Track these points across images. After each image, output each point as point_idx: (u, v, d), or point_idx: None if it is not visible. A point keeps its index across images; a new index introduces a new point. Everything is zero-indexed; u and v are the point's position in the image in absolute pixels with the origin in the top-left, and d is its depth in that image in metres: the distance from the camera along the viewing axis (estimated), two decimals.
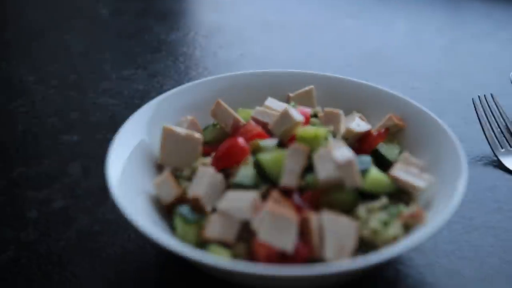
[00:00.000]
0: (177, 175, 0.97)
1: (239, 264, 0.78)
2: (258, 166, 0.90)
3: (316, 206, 0.86)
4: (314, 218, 0.82)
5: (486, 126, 1.17)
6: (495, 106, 1.20)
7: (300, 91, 1.11)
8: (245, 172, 0.91)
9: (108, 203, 1.03)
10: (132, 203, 0.86)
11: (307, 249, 0.81)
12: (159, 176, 0.94)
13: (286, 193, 0.87)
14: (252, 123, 1.00)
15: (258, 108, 1.03)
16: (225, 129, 1.02)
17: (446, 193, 0.87)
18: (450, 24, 1.75)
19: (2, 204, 1.05)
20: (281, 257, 0.80)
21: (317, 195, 0.87)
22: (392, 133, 1.03)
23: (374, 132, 1.01)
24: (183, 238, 0.86)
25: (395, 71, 1.46)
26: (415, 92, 1.34)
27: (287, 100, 1.11)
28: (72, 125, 1.26)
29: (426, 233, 0.79)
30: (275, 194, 0.84)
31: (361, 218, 0.85)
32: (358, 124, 1.01)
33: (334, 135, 1.01)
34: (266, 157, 0.90)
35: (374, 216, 0.85)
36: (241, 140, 0.94)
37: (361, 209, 0.86)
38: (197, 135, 0.98)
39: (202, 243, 0.86)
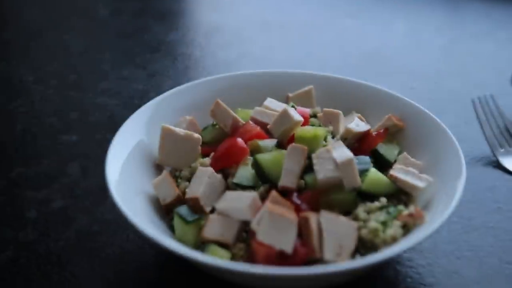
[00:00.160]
0: (176, 175, 0.97)
1: (238, 264, 0.78)
2: (257, 166, 0.90)
3: (315, 206, 0.86)
4: (313, 218, 0.82)
5: (486, 126, 1.17)
6: (494, 107, 1.20)
7: (299, 91, 1.11)
8: (244, 173, 0.91)
9: (107, 203, 1.03)
10: (131, 203, 0.86)
11: (306, 249, 0.81)
12: (158, 177, 0.94)
13: (285, 193, 0.87)
14: (251, 123, 1.00)
15: (257, 108, 1.03)
16: (224, 129, 1.02)
17: (445, 193, 0.87)
18: (449, 24, 1.75)
19: (1, 204, 1.05)
20: (280, 258, 0.80)
21: (316, 195, 0.87)
22: (391, 133, 1.03)
23: (373, 132, 1.01)
24: (182, 239, 0.86)
25: (394, 71, 1.46)
26: (414, 92, 1.34)
27: (286, 100, 1.11)
28: (71, 125, 1.26)
29: (425, 233, 0.79)
30: (274, 194, 0.84)
31: (361, 218, 0.85)
32: (357, 124, 1.01)
33: (333, 135, 1.01)
34: (265, 157, 0.90)
35: (373, 216, 0.85)
36: (240, 140, 0.94)
37: (360, 210, 0.86)
38: (196, 135, 0.98)
39: (201, 244, 0.86)
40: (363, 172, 0.89)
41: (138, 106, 1.06)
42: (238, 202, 0.85)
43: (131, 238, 0.96)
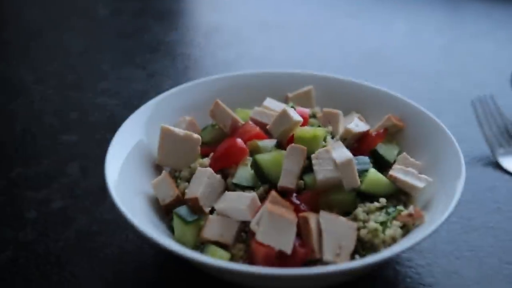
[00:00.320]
0: (176, 175, 0.97)
1: (237, 264, 0.78)
2: (256, 166, 0.90)
3: (315, 207, 0.86)
4: (312, 219, 0.82)
5: (485, 126, 1.17)
6: (494, 107, 1.20)
7: (299, 91, 1.11)
8: (244, 173, 0.91)
9: (106, 203, 1.03)
10: (130, 203, 0.86)
11: (306, 250, 0.81)
12: (158, 177, 0.94)
13: (285, 193, 0.87)
14: (251, 123, 1.00)
15: (256, 108, 1.03)
16: (224, 130, 1.02)
17: (445, 194, 0.87)
18: (449, 24, 1.75)
19: (1, 204, 1.05)
20: (280, 258, 0.80)
21: (315, 195, 0.87)
22: (391, 134, 1.03)
23: (373, 133, 1.01)
24: (181, 239, 0.86)
25: (394, 71, 1.46)
26: (414, 92, 1.34)
27: (285, 100, 1.11)
28: (71, 125, 1.26)
29: (424, 234, 0.79)
30: (273, 194, 0.84)
31: (360, 218, 0.85)
32: (357, 125, 1.01)
33: (333, 135, 1.01)
34: (264, 158, 0.90)
35: (373, 216, 0.85)
36: (239, 141, 0.94)
37: (360, 210, 0.86)
38: (195, 135, 0.98)
39: (200, 244, 0.86)
40: (362, 173, 0.89)
41: (138, 106, 1.06)
42: (238, 203, 0.85)
43: (130, 238, 0.96)
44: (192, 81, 1.13)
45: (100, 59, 1.54)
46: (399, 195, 0.92)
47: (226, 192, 0.88)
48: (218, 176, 0.91)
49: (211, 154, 0.96)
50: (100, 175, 0.91)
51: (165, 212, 0.92)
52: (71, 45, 1.61)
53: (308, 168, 0.89)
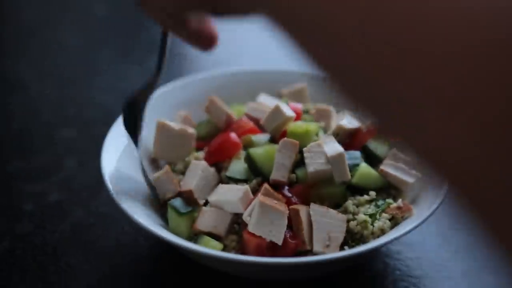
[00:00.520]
0: (171, 169, 0.98)
1: (228, 253, 0.80)
2: (249, 160, 0.92)
3: (306, 199, 0.88)
4: (303, 211, 0.84)
5: None
6: None
7: (293, 88, 1.12)
8: (237, 166, 0.93)
9: (102, 196, 1.04)
10: (126, 196, 0.88)
11: (296, 241, 0.83)
12: (159, 171, 0.94)
13: (277, 186, 0.89)
14: (245, 118, 1.01)
15: (250, 104, 1.04)
16: (218, 125, 1.03)
17: (434, 188, 0.88)
18: None
19: None
20: (271, 249, 0.81)
21: (307, 188, 0.89)
22: None
23: (364, 129, 1.02)
24: (175, 230, 0.87)
25: None
26: None
27: (280, 97, 1.12)
28: (68, 121, 1.27)
29: (412, 225, 0.81)
30: (266, 187, 0.86)
31: (350, 211, 0.87)
32: (349, 121, 1.02)
33: (325, 131, 1.02)
34: (257, 152, 0.92)
35: (362, 209, 0.87)
36: (233, 135, 0.96)
37: (350, 203, 0.88)
38: (190, 130, 0.99)
39: (194, 235, 0.87)
40: (353, 167, 0.91)
41: None
42: (230, 195, 0.86)
43: (126, 231, 0.98)
44: (188, 77, 1.14)
45: (97, 56, 1.55)
46: (390, 189, 0.93)
47: (220, 184, 0.90)
48: (212, 169, 0.93)
49: (206, 148, 0.98)
50: (97, 169, 0.92)
51: (162, 204, 0.93)
52: (68, 42, 1.62)
53: (300, 162, 0.91)
